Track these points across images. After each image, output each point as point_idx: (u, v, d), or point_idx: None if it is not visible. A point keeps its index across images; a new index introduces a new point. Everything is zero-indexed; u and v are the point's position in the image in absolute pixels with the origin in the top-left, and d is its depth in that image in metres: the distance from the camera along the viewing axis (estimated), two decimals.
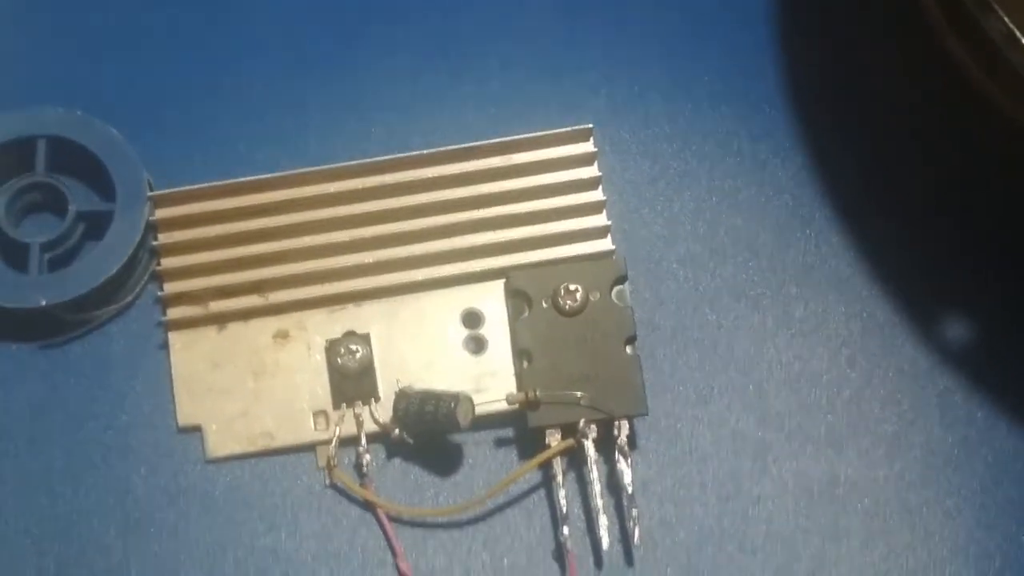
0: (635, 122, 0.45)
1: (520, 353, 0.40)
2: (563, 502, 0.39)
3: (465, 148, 0.42)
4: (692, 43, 0.46)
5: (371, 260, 0.41)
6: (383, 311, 0.41)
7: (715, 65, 0.45)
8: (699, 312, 0.42)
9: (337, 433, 0.40)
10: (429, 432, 0.39)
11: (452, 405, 0.38)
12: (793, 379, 0.42)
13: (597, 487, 0.39)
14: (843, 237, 0.43)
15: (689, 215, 0.44)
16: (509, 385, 0.40)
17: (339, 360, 0.40)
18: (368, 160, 0.42)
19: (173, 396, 0.41)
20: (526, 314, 0.40)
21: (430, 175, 0.42)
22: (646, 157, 0.44)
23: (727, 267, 0.43)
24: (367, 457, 0.40)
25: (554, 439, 0.39)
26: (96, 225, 0.41)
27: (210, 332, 0.41)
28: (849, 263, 0.43)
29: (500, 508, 0.40)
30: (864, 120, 0.45)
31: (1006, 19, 0.34)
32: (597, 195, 0.42)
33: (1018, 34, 0.34)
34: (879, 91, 0.45)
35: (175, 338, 0.41)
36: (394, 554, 0.39)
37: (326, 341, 0.41)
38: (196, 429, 0.40)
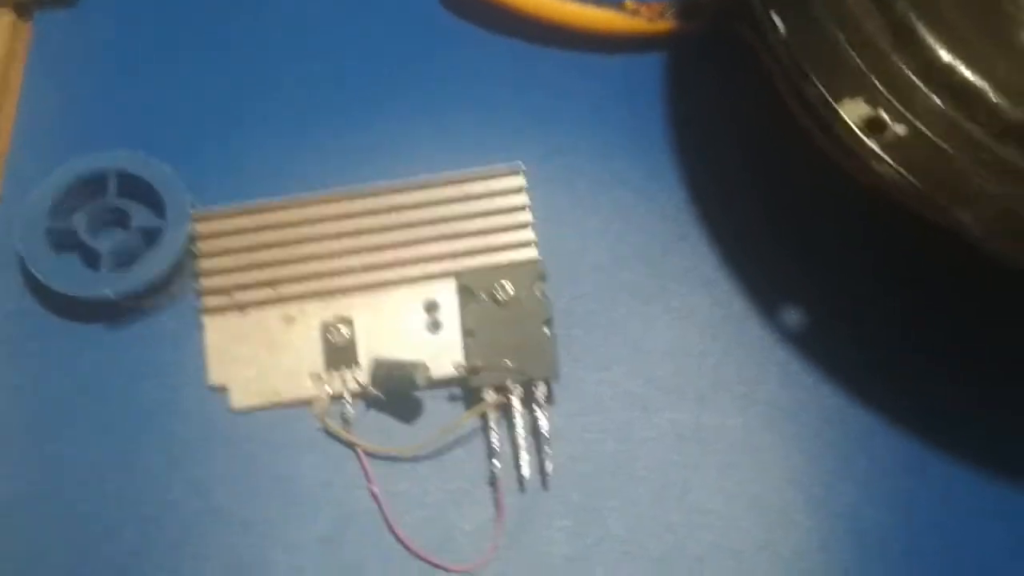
0: (559, 162, 0.45)
1: (466, 332, 0.40)
2: (495, 442, 0.39)
3: (426, 179, 0.42)
4: (603, 104, 0.46)
5: (356, 263, 0.41)
6: (365, 301, 0.41)
7: (619, 122, 0.45)
8: (604, 304, 0.42)
9: (328, 391, 0.40)
10: (396, 390, 0.39)
11: (412, 370, 0.38)
12: (671, 352, 0.42)
13: (520, 431, 0.39)
14: (710, 249, 0.43)
15: (597, 232, 0.44)
16: (456, 356, 0.40)
17: (330, 337, 0.40)
18: (355, 188, 0.42)
19: (206, 363, 0.41)
20: (471, 304, 0.40)
21: (401, 200, 0.42)
22: (567, 189, 0.44)
23: (625, 271, 0.43)
24: (350, 409, 0.40)
25: (489, 396, 0.39)
26: (152, 237, 0.41)
27: (235, 316, 0.41)
28: (714, 268, 0.43)
29: (449, 447, 0.40)
30: (728, 164, 0.45)
31: (820, 86, 0.34)
32: (525, 217, 0.42)
33: (828, 97, 0.34)
34: (741, 142, 0.45)
35: (209, 320, 0.41)
36: (369, 481, 0.39)
37: (321, 323, 0.41)
38: (223, 388, 0.40)
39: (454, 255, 0.41)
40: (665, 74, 0.47)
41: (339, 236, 0.41)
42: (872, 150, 0.33)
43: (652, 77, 0.46)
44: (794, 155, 0.44)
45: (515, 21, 0.46)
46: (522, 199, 0.42)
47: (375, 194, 0.42)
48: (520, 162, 0.43)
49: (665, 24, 0.46)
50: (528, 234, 0.42)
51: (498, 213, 0.42)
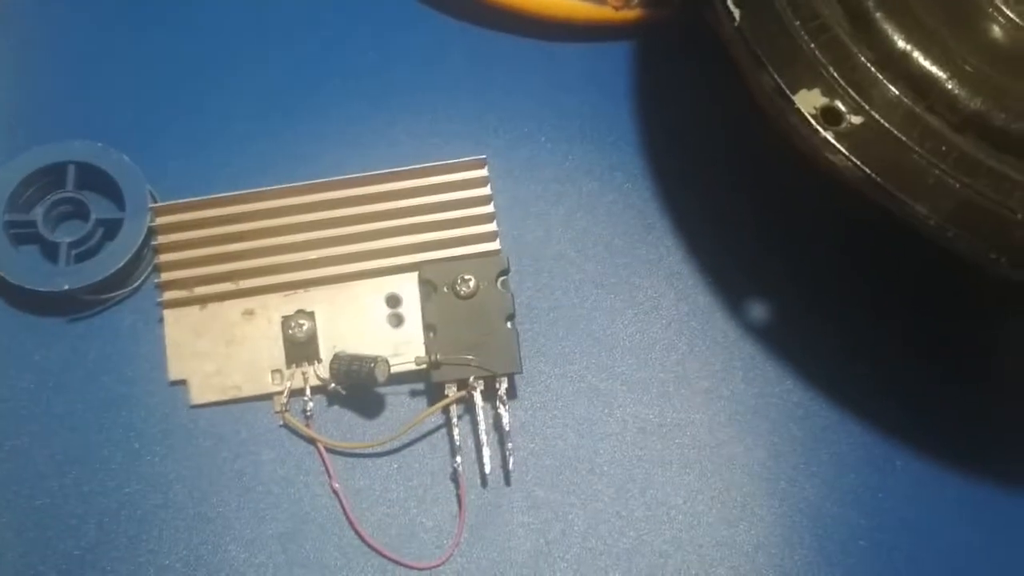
0: (523, 154, 0.45)
1: (427, 327, 0.40)
2: (457, 438, 0.39)
3: (389, 171, 0.42)
4: (568, 98, 0.46)
5: (317, 256, 0.41)
6: (326, 295, 0.41)
7: (585, 112, 0.45)
8: (567, 296, 0.42)
9: (288, 386, 0.40)
10: (356, 386, 0.39)
11: (371, 365, 0.38)
12: (635, 347, 0.42)
13: (483, 427, 0.39)
14: (676, 241, 0.43)
15: (561, 223, 0.44)
16: (419, 350, 0.40)
17: (290, 331, 0.40)
18: (316, 180, 0.42)
19: (166, 357, 0.40)
20: (433, 298, 0.40)
21: (363, 192, 0.42)
22: (531, 180, 0.44)
23: (589, 263, 0.43)
24: (310, 404, 0.40)
25: (451, 391, 0.39)
26: (111, 229, 0.41)
27: (195, 310, 0.41)
28: (679, 260, 0.43)
29: (410, 443, 0.40)
30: (696, 155, 0.45)
31: (775, 75, 0.34)
32: (488, 209, 0.42)
33: (783, 87, 0.34)
34: (709, 133, 0.45)
35: (168, 314, 0.41)
36: (330, 477, 0.39)
37: (281, 317, 0.41)
38: (183, 382, 0.40)
39: (417, 248, 0.41)
40: (632, 63, 0.46)
41: (300, 228, 0.41)
42: (826, 140, 0.33)
43: (619, 66, 0.46)
44: (763, 146, 0.44)
45: (478, 9, 0.46)
46: (485, 191, 0.42)
47: (337, 186, 0.42)
48: (483, 154, 0.42)
49: (632, 12, 0.46)
50: (491, 226, 0.42)
51: (461, 205, 0.42)
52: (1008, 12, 0.37)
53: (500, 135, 0.45)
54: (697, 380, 0.41)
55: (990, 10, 0.37)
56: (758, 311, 0.42)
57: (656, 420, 0.40)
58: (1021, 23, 0.37)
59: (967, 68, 0.34)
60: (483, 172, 0.42)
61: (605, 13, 0.46)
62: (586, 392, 0.41)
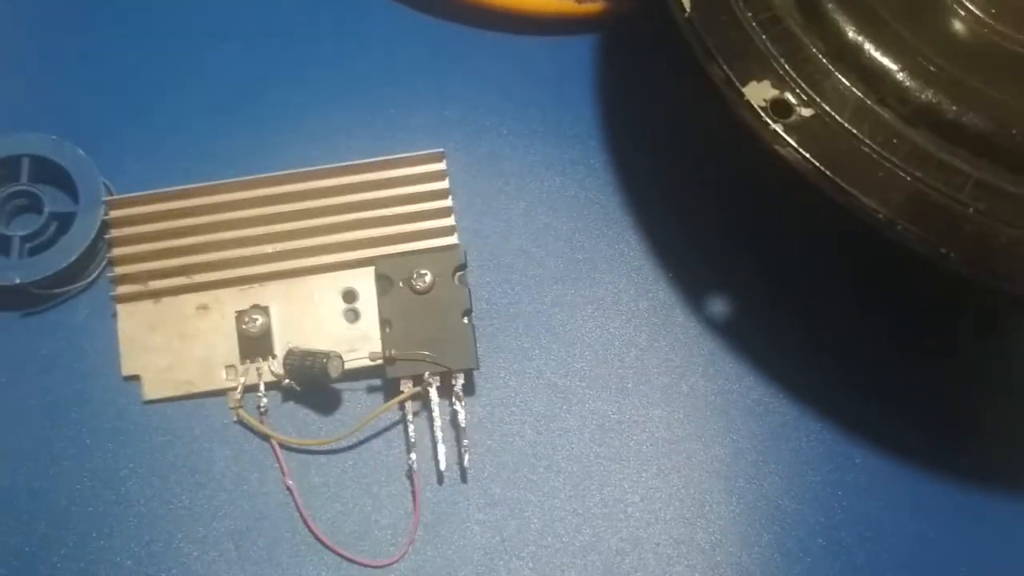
0: (484, 148, 0.44)
1: (383, 322, 0.40)
2: (412, 434, 0.39)
3: (345, 165, 0.42)
4: (530, 91, 0.45)
5: (272, 251, 0.41)
6: (282, 289, 0.41)
7: (546, 105, 0.45)
8: (527, 292, 0.42)
9: (242, 382, 0.40)
10: (310, 382, 0.39)
11: (324, 361, 0.38)
12: (594, 342, 0.41)
13: (438, 423, 0.39)
14: (638, 236, 0.43)
15: (522, 218, 0.43)
16: (376, 346, 0.40)
17: (245, 326, 0.40)
18: (272, 173, 0.41)
19: (119, 353, 0.40)
20: (389, 292, 0.40)
21: (319, 185, 0.41)
22: (491, 175, 0.44)
23: (550, 258, 0.43)
24: (264, 400, 0.40)
25: (407, 387, 0.39)
26: (65, 222, 0.41)
27: (148, 304, 0.41)
28: (641, 255, 0.43)
29: (366, 439, 0.40)
30: (658, 149, 0.45)
31: (724, 67, 0.34)
32: (447, 203, 0.42)
33: (732, 78, 0.33)
34: (672, 127, 0.45)
35: (122, 309, 0.41)
36: (283, 474, 0.39)
37: (236, 312, 0.40)
38: (136, 378, 0.40)
39: (373, 242, 0.41)
40: (595, 56, 0.46)
41: (256, 222, 0.41)
42: (775, 132, 0.32)
43: (583, 60, 0.46)
44: (727, 140, 0.44)
45: (442, 2, 0.46)
46: (443, 184, 0.42)
47: (293, 179, 0.41)
48: (444, 147, 0.42)
49: (595, 5, 0.46)
50: (449, 220, 0.42)
51: (419, 199, 0.42)
52: (969, 6, 0.37)
53: (459, 129, 0.45)
54: (657, 376, 0.41)
55: (952, 4, 0.37)
56: (719, 306, 0.42)
57: (615, 417, 0.40)
58: (982, 17, 0.37)
59: (922, 61, 0.34)
60: (441, 165, 0.42)
61: (567, 6, 0.46)
62: (544, 388, 0.41)
